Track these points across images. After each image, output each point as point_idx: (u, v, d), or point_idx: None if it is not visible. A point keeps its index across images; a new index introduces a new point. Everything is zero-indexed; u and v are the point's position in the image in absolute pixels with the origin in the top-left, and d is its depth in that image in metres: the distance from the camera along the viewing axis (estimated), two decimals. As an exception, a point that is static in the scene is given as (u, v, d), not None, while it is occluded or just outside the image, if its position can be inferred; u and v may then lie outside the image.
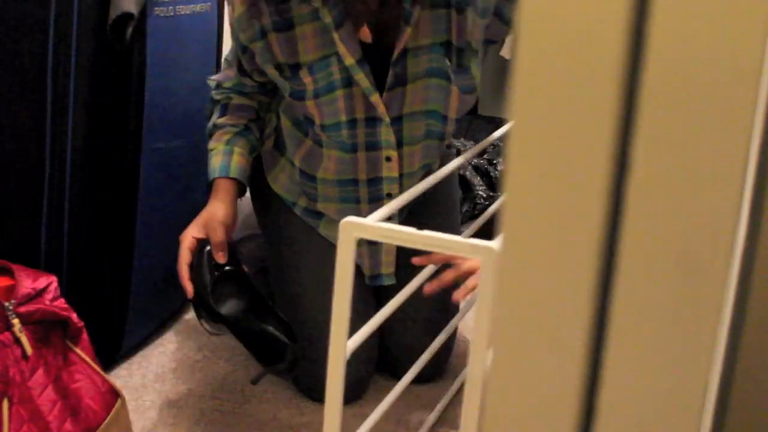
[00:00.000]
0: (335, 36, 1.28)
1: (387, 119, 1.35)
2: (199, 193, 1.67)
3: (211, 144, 1.43)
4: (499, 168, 2.15)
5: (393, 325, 1.49)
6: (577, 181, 0.32)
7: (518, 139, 0.32)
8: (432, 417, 1.40)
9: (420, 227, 0.69)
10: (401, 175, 1.42)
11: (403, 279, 1.46)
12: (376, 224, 0.74)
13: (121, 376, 1.46)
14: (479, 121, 2.51)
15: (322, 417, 1.44)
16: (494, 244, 0.65)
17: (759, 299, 0.41)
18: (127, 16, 1.28)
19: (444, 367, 1.54)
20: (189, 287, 1.28)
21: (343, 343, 0.79)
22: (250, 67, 1.39)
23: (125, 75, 1.35)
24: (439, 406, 1.43)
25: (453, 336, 1.57)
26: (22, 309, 1.08)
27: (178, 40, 1.46)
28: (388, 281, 1.51)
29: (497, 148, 2.23)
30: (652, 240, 0.32)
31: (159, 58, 1.40)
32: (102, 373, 1.19)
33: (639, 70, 0.30)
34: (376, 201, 1.44)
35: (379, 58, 1.32)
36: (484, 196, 2.11)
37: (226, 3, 1.38)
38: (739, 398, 0.42)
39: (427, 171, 1.46)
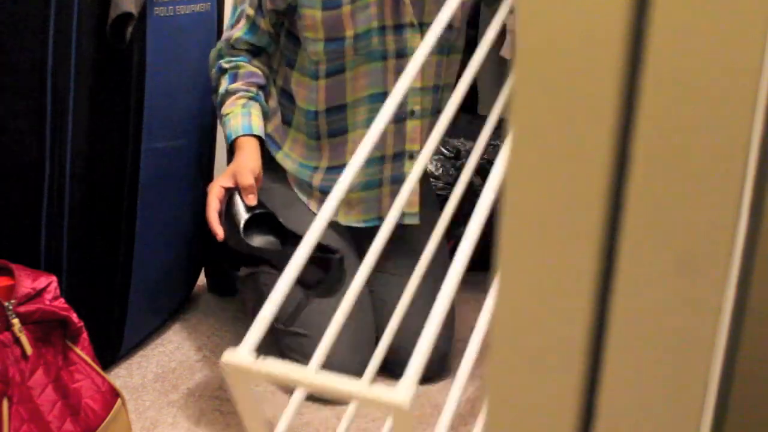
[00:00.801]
0: None
1: (415, 23, 1.44)
2: (199, 193, 1.67)
3: (226, 108, 1.44)
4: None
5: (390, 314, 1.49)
6: (577, 181, 0.32)
7: (518, 139, 0.32)
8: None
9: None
10: (423, 89, 1.51)
11: (423, 219, 1.53)
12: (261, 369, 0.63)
13: (121, 376, 1.46)
14: (479, 121, 2.50)
15: (322, 417, 1.44)
16: (401, 396, 0.44)
17: (759, 299, 0.41)
18: (126, 16, 1.28)
19: (443, 367, 1.55)
20: (219, 230, 1.31)
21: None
22: (271, 4, 1.43)
23: (125, 75, 1.35)
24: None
25: (452, 336, 1.57)
26: (22, 309, 1.08)
27: (177, 40, 1.46)
28: (410, 220, 1.55)
29: (497, 148, 2.23)
30: (652, 240, 0.32)
31: (159, 57, 1.40)
32: (102, 373, 1.19)
33: (639, 70, 0.30)
34: (398, 120, 1.51)
35: None
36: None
37: None
38: (739, 398, 0.42)
39: (439, 100, 1.56)
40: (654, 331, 0.33)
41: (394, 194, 1.53)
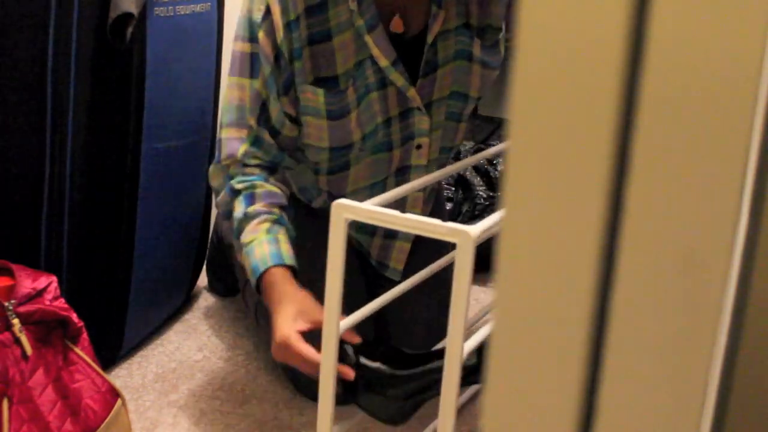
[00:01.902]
0: (368, 39, 1.26)
1: (422, 108, 1.34)
2: (199, 193, 1.67)
3: (247, 236, 1.24)
4: (499, 168, 2.16)
5: (395, 327, 1.49)
6: (577, 181, 0.32)
7: (518, 139, 0.32)
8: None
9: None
10: (428, 163, 1.43)
11: (406, 272, 1.47)
12: (363, 206, 0.76)
13: (121, 376, 1.46)
14: (479, 121, 2.50)
15: (322, 417, 1.43)
16: (470, 228, 0.67)
17: (759, 299, 0.41)
18: (127, 16, 1.28)
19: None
20: (346, 369, 1.05)
21: (335, 323, 0.79)
22: (291, 109, 1.29)
23: (125, 75, 1.35)
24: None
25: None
26: (22, 309, 1.08)
27: (178, 40, 1.46)
28: (393, 275, 1.51)
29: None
30: (652, 240, 0.32)
31: (159, 58, 1.40)
32: (102, 373, 1.19)
33: (639, 71, 0.30)
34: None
35: (408, 49, 1.31)
36: (484, 196, 2.11)
37: (260, 30, 1.25)
38: (739, 398, 0.42)
39: (446, 157, 1.48)
40: (654, 330, 0.33)
41: (385, 248, 1.51)
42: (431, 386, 1.01)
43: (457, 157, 2.19)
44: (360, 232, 1.51)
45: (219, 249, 1.76)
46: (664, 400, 0.33)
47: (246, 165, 1.31)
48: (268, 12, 1.24)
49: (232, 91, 1.31)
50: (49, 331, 1.12)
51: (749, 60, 0.29)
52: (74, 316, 1.15)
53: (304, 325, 1.12)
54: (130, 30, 1.29)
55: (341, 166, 1.38)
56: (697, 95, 0.30)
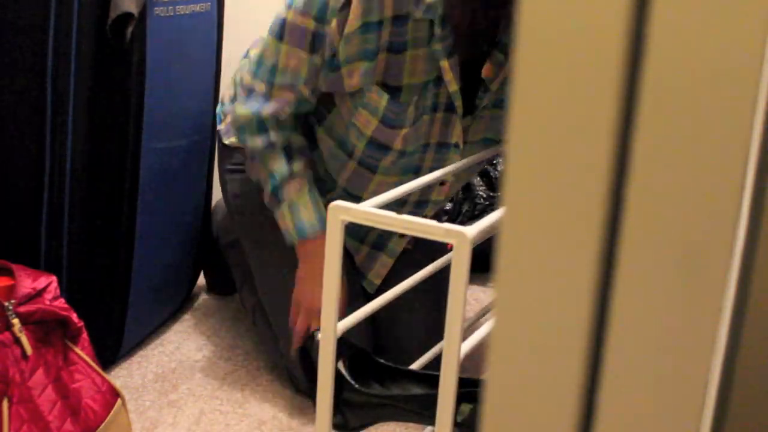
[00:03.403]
0: (444, 64, 1.27)
1: (461, 145, 1.36)
2: (199, 193, 1.67)
3: (288, 192, 1.31)
4: (499, 168, 2.15)
5: (392, 327, 1.49)
6: (577, 181, 0.32)
7: (518, 139, 0.32)
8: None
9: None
10: (445, 199, 1.45)
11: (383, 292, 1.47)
12: (360, 208, 0.78)
13: (121, 376, 1.46)
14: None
15: (322, 417, 1.43)
16: (467, 229, 0.67)
17: (759, 299, 0.41)
18: (127, 16, 1.28)
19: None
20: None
21: (333, 323, 0.79)
22: (327, 87, 1.31)
23: (125, 75, 1.35)
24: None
25: None
26: (22, 309, 1.08)
27: (178, 40, 1.46)
28: (368, 287, 1.52)
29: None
30: (652, 240, 0.32)
31: (159, 57, 1.40)
32: (102, 373, 1.19)
33: (639, 70, 0.30)
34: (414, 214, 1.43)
35: (466, 86, 1.33)
36: (484, 196, 2.11)
37: (334, 19, 1.26)
38: (739, 398, 0.42)
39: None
40: (654, 330, 0.33)
41: (370, 257, 1.51)
42: (399, 413, 1.02)
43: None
44: (350, 238, 1.51)
45: (216, 248, 1.76)
46: (664, 400, 0.33)
47: (280, 120, 1.33)
48: (347, 4, 1.24)
49: (290, 59, 1.30)
50: (49, 331, 1.12)
51: (749, 59, 0.29)
52: (74, 316, 1.15)
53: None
54: (130, 30, 1.29)
55: (370, 166, 1.38)
56: (698, 94, 0.30)
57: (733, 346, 0.41)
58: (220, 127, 1.62)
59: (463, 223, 2.01)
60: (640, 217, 0.32)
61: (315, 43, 1.28)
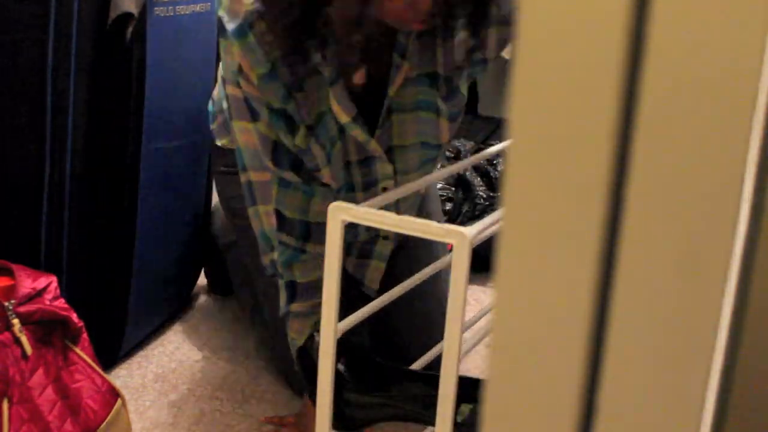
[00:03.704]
0: (330, 94, 1.19)
1: (383, 156, 1.29)
2: (199, 193, 1.67)
3: (293, 331, 1.26)
4: (499, 168, 2.16)
5: (393, 323, 1.49)
6: (577, 181, 0.32)
7: (518, 139, 0.32)
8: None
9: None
10: (397, 203, 1.38)
11: (386, 284, 1.42)
12: (361, 209, 0.79)
13: (121, 376, 1.46)
14: (479, 121, 2.51)
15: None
16: (466, 229, 0.67)
17: (759, 299, 0.41)
18: (127, 16, 1.28)
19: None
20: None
21: (333, 324, 0.79)
22: (287, 137, 1.22)
23: (125, 75, 1.35)
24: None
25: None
26: (22, 309, 1.08)
27: (178, 40, 1.46)
28: (367, 290, 1.48)
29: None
30: (652, 240, 0.32)
31: (159, 58, 1.40)
32: (102, 373, 1.19)
33: (639, 70, 0.30)
34: (373, 239, 1.41)
35: (368, 99, 1.25)
36: (484, 196, 2.11)
37: (246, 85, 1.19)
38: (739, 398, 0.42)
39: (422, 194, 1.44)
40: (654, 330, 0.33)
41: (360, 266, 1.46)
42: (396, 414, 1.02)
43: (457, 157, 2.19)
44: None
45: (216, 249, 1.76)
46: (664, 400, 0.33)
47: (280, 229, 1.27)
48: (240, 64, 1.17)
49: (241, 135, 1.27)
50: (49, 331, 1.12)
51: (749, 59, 0.29)
52: (74, 316, 1.15)
53: None
54: (130, 30, 1.29)
55: (305, 191, 1.29)
56: (697, 94, 0.30)
57: (733, 346, 0.41)
58: (213, 126, 1.57)
59: (463, 223, 2.01)
60: (640, 217, 0.32)
61: (250, 109, 1.21)
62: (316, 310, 1.23)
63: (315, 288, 1.26)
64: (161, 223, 1.52)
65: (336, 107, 1.20)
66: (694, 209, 0.31)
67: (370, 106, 1.25)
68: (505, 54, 2.29)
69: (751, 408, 0.43)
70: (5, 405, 1.03)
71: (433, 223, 0.71)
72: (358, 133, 1.23)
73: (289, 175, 1.25)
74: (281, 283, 1.28)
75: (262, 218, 1.32)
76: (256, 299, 1.57)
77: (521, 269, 0.34)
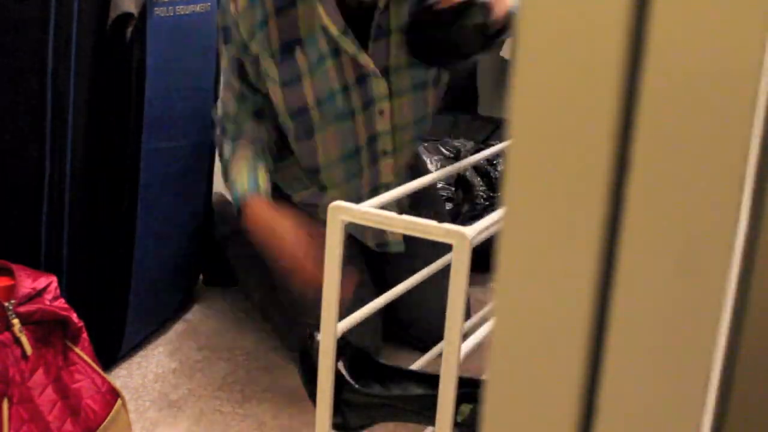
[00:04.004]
0: (320, 8, 1.35)
1: (377, 71, 1.42)
2: (199, 193, 1.67)
3: (232, 173, 1.40)
4: (499, 168, 2.16)
5: (407, 312, 1.52)
6: (577, 181, 0.32)
7: (518, 140, 0.32)
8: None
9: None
10: (394, 129, 1.48)
11: (410, 244, 1.52)
12: (360, 208, 0.81)
13: (121, 376, 1.46)
14: (479, 121, 2.50)
15: (322, 417, 1.43)
16: (466, 229, 0.67)
17: (759, 299, 0.41)
18: (127, 16, 1.28)
19: None
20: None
21: (333, 324, 0.80)
22: (251, 69, 1.43)
23: (125, 75, 1.35)
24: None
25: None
26: (22, 309, 1.08)
27: (178, 40, 1.46)
28: (396, 248, 1.55)
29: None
30: (652, 240, 0.32)
31: (159, 58, 1.40)
32: (102, 373, 1.19)
33: (639, 70, 0.30)
34: (374, 163, 1.51)
35: (362, 16, 1.39)
36: (485, 196, 2.11)
37: (230, 3, 1.41)
38: (739, 398, 0.42)
39: (419, 129, 1.54)
40: (654, 331, 0.33)
41: (379, 229, 1.54)
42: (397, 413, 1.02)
43: (457, 157, 2.19)
44: (350, 179, 1.55)
45: (213, 241, 1.77)
46: (664, 400, 0.33)
47: (237, 122, 1.46)
48: None
49: (222, 60, 1.47)
50: (49, 331, 1.12)
51: (749, 59, 0.29)
52: (74, 316, 1.15)
53: (313, 250, 1.25)
54: (129, 30, 1.29)
55: (306, 132, 1.46)
56: (698, 95, 0.30)
57: (733, 346, 0.41)
58: (218, 133, 1.63)
59: (463, 223, 2.01)
60: (640, 217, 0.32)
61: (226, 34, 1.43)
62: (256, 150, 1.41)
63: (256, 139, 1.44)
64: (161, 223, 1.52)
65: (326, 20, 1.36)
66: (694, 209, 0.31)
67: (366, 25, 1.40)
68: (505, 54, 2.29)
69: (751, 408, 0.43)
70: (5, 405, 1.03)
71: (433, 223, 0.71)
72: (348, 44, 1.38)
73: (248, 92, 1.45)
74: (224, 140, 1.46)
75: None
76: (265, 290, 1.59)
77: (521, 269, 0.34)
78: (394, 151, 1.52)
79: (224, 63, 1.47)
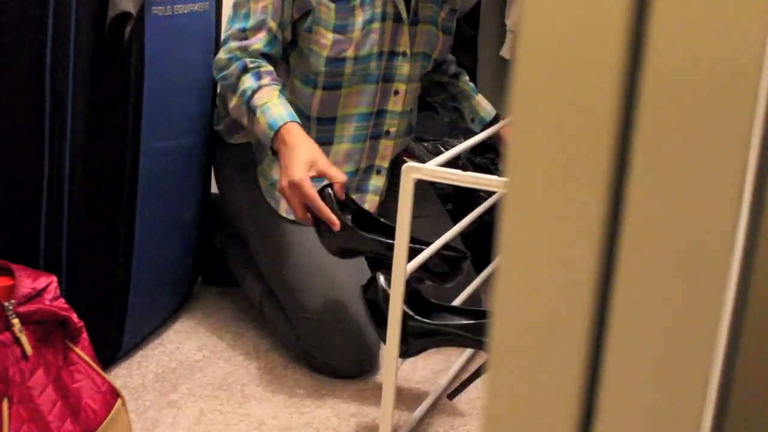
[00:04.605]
0: None
1: (408, 52, 1.57)
2: (199, 192, 1.67)
3: (260, 99, 1.44)
4: (499, 168, 2.16)
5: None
6: (577, 181, 0.32)
7: (518, 140, 0.32)
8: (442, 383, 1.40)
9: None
10: (402, 112, 1.62)
11: (427, 211, 1.67)
12: (430, 167, 1.04)
13: (121, 376, 1.46)
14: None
15: (321, 417, 1.44)
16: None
17: (759, 299, 0.41)
18: (125, 16, 1.28)
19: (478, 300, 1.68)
20: (336, 220, 1.36)
21: (402, 267, 1.04)
22: (289, 13, 1.49)
23: (124, 74, 1.35)
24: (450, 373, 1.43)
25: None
26: (22, 309, 1.08)
27: (176, 40, 1.46)
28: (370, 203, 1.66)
29: (497, 148, 2.23)
30: (652, 240, 0.32)
31: (157, 57, 1.40)
32: (102, 373, 1.19)
33: (639, 70, 0.30)
34: (375, 138, 1.62)
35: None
36: (485, 197, 2.11)
37: None
38: (739, 398, 0.42)
39: (411, 121, 1.72)
40: (654, 330, 0.33)
41: (359, 201, 1.63)
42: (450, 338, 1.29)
43: (458, 156, 2.19)
44: (356, 141, 1.63)
45: (211, 241, 1.77)
46: (664, 400, 0.33)
47: (252, 56, 1.48)
48: None
49: (257, 3, 1.48)
50: (49, 331, 1.12)
51: (749, 59, 0.29)
52: (74, 316, 1.15)
53: (313, 173, 1.37)
54: (128, 29, 1.29)
55: (335, 84, 1.54)
56: (698, 95, 0.30)
57: (733, 346, 0.41)
58: (219, 127, 1.64)
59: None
60: (640, 217, 0.31)
61: None
62: (278, 82, 1.48)
63: (272, 73, 1.49)
64: (161, 222, 1.52)
65: None
66: (694, 209, 0.31)
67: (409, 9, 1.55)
68: (505, 54, 2.29)
69: (751, 408, 0.43)
70: (5, 405, 1.03)
71: (494, 177, 0.94)
72: (402, 8, 1.53)
73: (280, 36, 1.50)
74: (245, 76, 1.47)
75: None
76: (264, 287, 1.60)
77: (521, 269, 0.34)
78: (395, 136, 1.64)
79: (259, 4, 1.48)
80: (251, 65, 1.47)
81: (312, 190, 1.35)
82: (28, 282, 1.11)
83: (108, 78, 1.33)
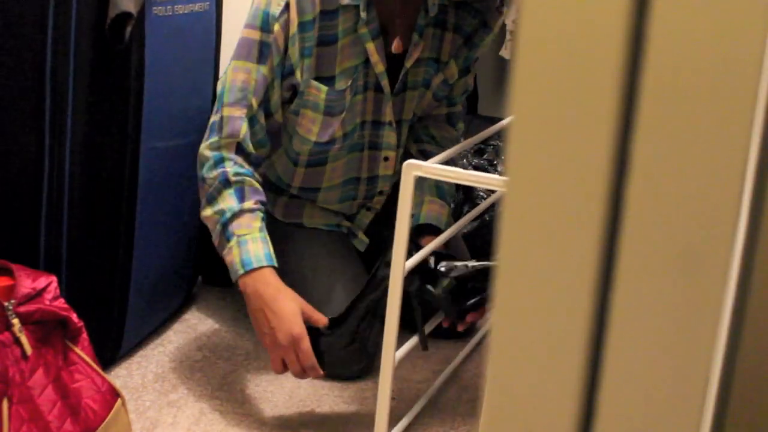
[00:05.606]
0: (371, 46, 1.42)
1: (393, 124, 1.52)
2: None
3: (240, 228, 1.35)
4: (499, 168, 2.16)
5: None
6: (577, 181, 0.32)
7: (518, 140, 0.32)
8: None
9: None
10: (394, 175, 1.59)
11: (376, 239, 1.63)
12: (431, 165, 1.02)
13: (121, 376, 1.46)
14: (479, 121, 2.50)
15: (321, 417, 1.44)
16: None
17: (759, 299, 0.41)
18: (125, 16, 1.28)
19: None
20: (320, 370, 1.31)
21: (401, 265, 1.06)
22: (278, 95, 1.42)
23: (124, 74, 1.35)
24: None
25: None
26: (22, 309, 1.08)
27: (176, 40, 1.46)
28: (359, 245, 1.64)
29: (497, 149, 2.23)
30: (652, 240, 0.32)
31: (158, 57, 1.40)
32: (102, 373, 1.19)
33: (639, 70, 0.30)
34: (369, 198, 1.62)
35: (390, 66, 1.48)
36: (485, 196, 2.11)
37: (276, 24, 1.38)
38: (739, 398, 0.42)
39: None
40: (654, 330, 0.33)
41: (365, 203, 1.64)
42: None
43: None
44: (343, 201, 1.62)
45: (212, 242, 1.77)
46: (664, 400, 0.33)
47: (239, 152, 1.41)
48: (286, 8, 1.36)
49: (237, 74, 1.40)
50: (49, 331, 1.12)
51: (749, 59, 0.29)
52: (74, 316, 1.15)
53: (302, 323, 1.30)
54: (128, 29, 1.29)
55: (319, 161, 1.53)
56: (698, 95, 0.30)
57: (733, 346, 0.41)
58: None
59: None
60: (640, 217, 0.31)
61: (261, 52, 1.39)
62: (262, 205, 1.39)
63: (259, 193, 1.40)
64: (161, 222, 1.52)
65: (375, 57, 1.44)
66: (694, 209, 0.31)
67: (391, 75, 1.48)
68: (505, 54, 2.29)
69: (751, 408, 0.43)
70: (5, 405, 1.03)
71: (494, 176, 0.87)
72: (386, 84, 1.47)
73: (261, 118, 1.42)
74: (227, 192, 1.38)
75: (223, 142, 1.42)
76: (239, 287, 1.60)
77: (521, 269, 0.34)
78: (389, 191, 1.63)
79: (241, 77, 1.40)
80: (234, 179, 1.37)
81: (308, 344, 1.29)
82: (28, 282, 1.11)
83: (108, 78, 1.33)
